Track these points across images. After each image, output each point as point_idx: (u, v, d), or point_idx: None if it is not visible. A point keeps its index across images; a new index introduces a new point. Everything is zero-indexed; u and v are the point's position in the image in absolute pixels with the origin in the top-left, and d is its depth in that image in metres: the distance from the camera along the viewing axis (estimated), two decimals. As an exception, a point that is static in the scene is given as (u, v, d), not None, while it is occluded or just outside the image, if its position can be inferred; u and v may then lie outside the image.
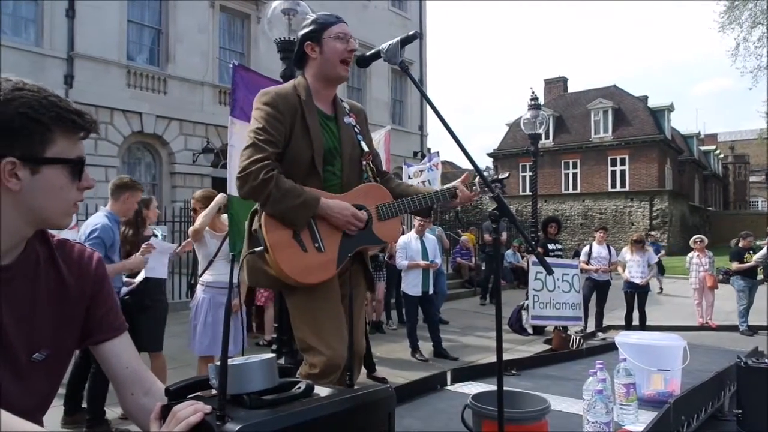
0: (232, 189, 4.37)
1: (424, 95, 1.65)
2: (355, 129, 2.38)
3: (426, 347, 6.63)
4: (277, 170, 2.10)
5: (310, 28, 2.27)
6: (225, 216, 4.44)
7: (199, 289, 4.26)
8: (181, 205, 11.31)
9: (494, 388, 1.97)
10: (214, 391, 0.97)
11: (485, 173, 2.34)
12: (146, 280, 4.05)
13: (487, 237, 11.64)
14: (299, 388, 0.97)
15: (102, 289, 1.17)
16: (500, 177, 2.51)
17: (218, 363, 0.91)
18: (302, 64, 2.33)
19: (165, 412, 0.93)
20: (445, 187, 2.41)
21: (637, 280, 8.07)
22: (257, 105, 2.20)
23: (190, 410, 0.88)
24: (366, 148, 2.37)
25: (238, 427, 0.81)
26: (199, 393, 1.00)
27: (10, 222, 0.99)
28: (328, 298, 2.21)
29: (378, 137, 8.08)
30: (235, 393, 0.92)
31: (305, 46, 2.27)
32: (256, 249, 2.10)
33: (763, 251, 8.72)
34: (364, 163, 2.35)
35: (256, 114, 2.18)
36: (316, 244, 2.13)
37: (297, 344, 2.32)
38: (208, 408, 0.88)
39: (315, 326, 2.18)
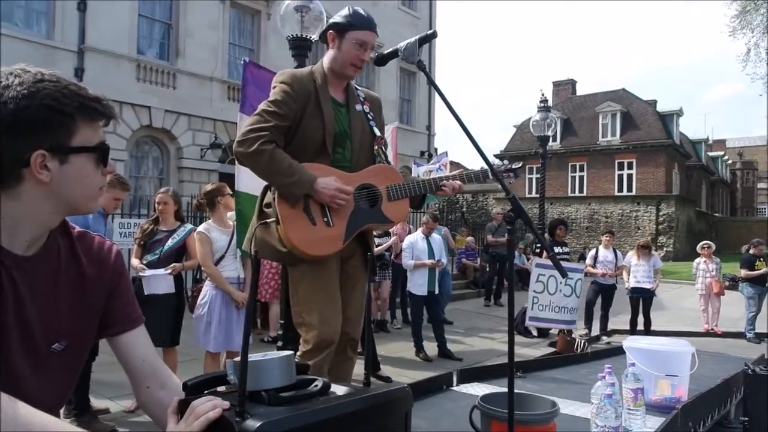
0: (241, 185, 4.39)
1: (441, 95, 1.65)
2: (369, 116, 2.49)
3: (430, 347, 6.63)
4: (275, 144, 2.22)
5: (341, 20, 2.37)
6: (232, 212, 4.45)
7: (207, 285, 4.26)
8: (188, 200, 11.36)
9: (501, 389, 1.98)
10: (232, 387, 0.98)
11: (499, 164, 2.39)
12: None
13: (489, 238, 11.60)
14: (316, 386, 0.97)
15: (121, 281, 1.18)
16: (513, 167, 2.54)
17: (237, 359, 0.92)
18: (326, 45, 2.45)
19: (182, 407, 0.93)
20: (441, 177, 2.49)
21: (644, 285, 8.06)
22: (274, 83, 2.35)
23: (209, 405, 0.88)
24: (378, 133, 2.49)
25: (258, 424, 0.81)
26: (216, 389, 1.01)
27: (40, 214, 1.01)
28: (328, 278, 2.32)
29: (385, 134, 8.09)
30: (254, 389, 0.93)
31: (328, 33, 2.39)
32: (268, 220, 2.22)
33: None
34: (376, 147, 2.48)
35: (272, 91, 2.32)
36: (326, 219, 2.24)
37: (294, 319, 2.43)
38: (226, 404, 0.88)
39: (312, 301, 2.29)
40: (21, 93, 0.94)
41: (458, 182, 2.41)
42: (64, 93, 0.98)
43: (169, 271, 4.22)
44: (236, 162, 4.50)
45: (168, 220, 4.41)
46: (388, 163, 2.49)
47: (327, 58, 2.41)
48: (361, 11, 2.40)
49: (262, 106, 2.28)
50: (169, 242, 4.33)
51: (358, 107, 2.47)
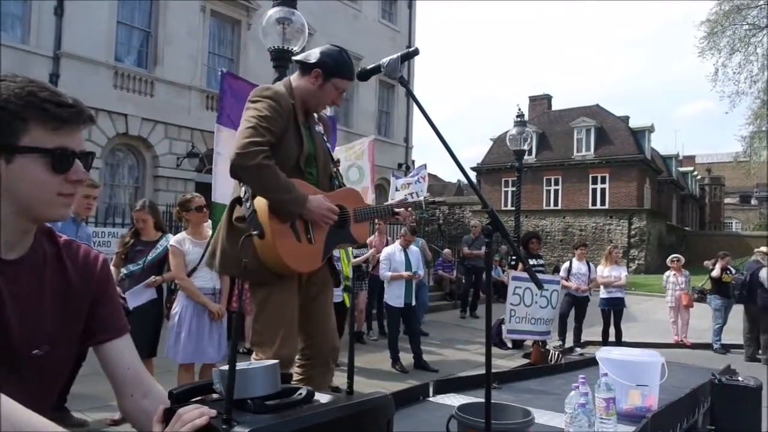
0: (217, 196, 4.38)
1: (423, 111, 1.69)
2: (324, 137, 2.54)
3: (406, 358, 6.65)
4: (273, 160, 2.21)
5: (331, 63, 2.37)
6: (209, 223, 4.43)
7: (180, 296, 4.24)
8: (164, 209, 11.22)
9: (477, 400, 2.01)
10: (217, 396, 0.99)
11: (423, 196, 2.60)
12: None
13: (466, 250, 11.69)
14: (300, 394, 1.00)
15: (106, 289, 1.19)
16: (437, 200, 2.84)
17: (223, 368, 0.94)
18: (301, 71, 2.44)
19: (168, 416, 0.94)
20: (396, 203, 2.71)
21: (615, 295, 8.24)
22: (259, 96, 2.30)
23: (196, 413, 0.90)
24: (335, 156, 2.63)
25: (247, 431, 0.83)
26: (202, 397, 1.02)
27: (3, 214, 0.99)
28: (292, 299, 2.35)
29: (362, 147, 8.11)
30: (239, 398, 0.94)
31: (314, 69, 2.38)
32: (254, 232, 2.17)
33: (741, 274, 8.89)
34: (335, 169, 2.56)
35: (258, 105, 2.27)
36: (308, 236, 2.29)
37: (252, 337, 2.43)
38: (213, 412, 0.90)
39: (277, 322, 2.30)
40: None
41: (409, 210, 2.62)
42: (14, 92, 0.96)
43: (148, 283, 4.23)
44: (215, 171, 4.51)
45: (149, 233, 4.41)
46: (343, 184, 2.60)
47: (301, 87, 2.41)
48: (347, 56, 2.44)
49: (254, 119, 2.22)
50: (152, 254, 4.35)
51: (318, 128, 2.52)
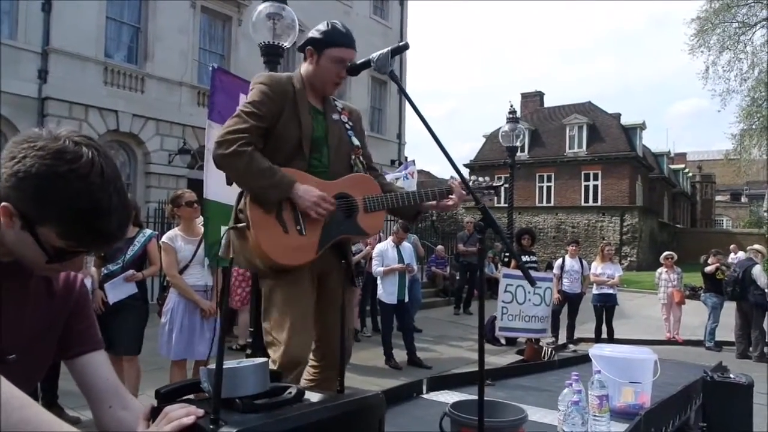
0: (209, 193, 4.33)
1: (413, 106, 1.68)
2: (346, 125, 2.44)
3: (400, 355, 6.64)
4: (254, 146, 2.15)
5: (318, 36, 2.32)
6: (200, 219, 4.39)
7: (172, 293, 4.20)
8: (156, 206, 11.16)
9: (470, 397, 2.00)
10: (206, 395, 0.97)
11: (481, 181, 2.41)
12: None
13: (461, 247, 11.70)
14: (290, 393, 0.98)
15: (84, 307, 1.20)
16: (494, 184, 2.57)
17: (211, 367, 0.92)
18: (303, 58, 2.41)
19: (155, 415, 0.93)
20: (436, 189, 2.45)
21: (606, 291, 8.27)
22: (252, 85, 2.29)
23: (183, 412, 0.88)
24: (356, 143, 2.43)
25: (234, 431, 0.81)
26: (190, 396, 1.00)
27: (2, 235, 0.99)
28: (301, 295, 2.24)
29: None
30: (227, 397, 0.92)
31: (306, 48, 2.34)
32: (239, 225, 2.12)
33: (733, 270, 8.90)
34: (353, 157, 2.41)
35: (250, 93, 2.27)
36: (298, 227, 2.16)
37: (264, 337, 2.34)
38: (201, 411, 0.88)
39: (283, 319, 2.21)
40: (41, 162, 0.91)
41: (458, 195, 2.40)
42: (60, 194, 0.92)
43: (126, 276, 4.16)
44: (206, 168, 4.47)
45: None
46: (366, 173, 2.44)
47: (306, 72, 2.37)
48: (339, 26, 2.34)
49: (241, 107, 2.22)
50: (130, 251, 4.24)
51: (335, 116, 2.42)
